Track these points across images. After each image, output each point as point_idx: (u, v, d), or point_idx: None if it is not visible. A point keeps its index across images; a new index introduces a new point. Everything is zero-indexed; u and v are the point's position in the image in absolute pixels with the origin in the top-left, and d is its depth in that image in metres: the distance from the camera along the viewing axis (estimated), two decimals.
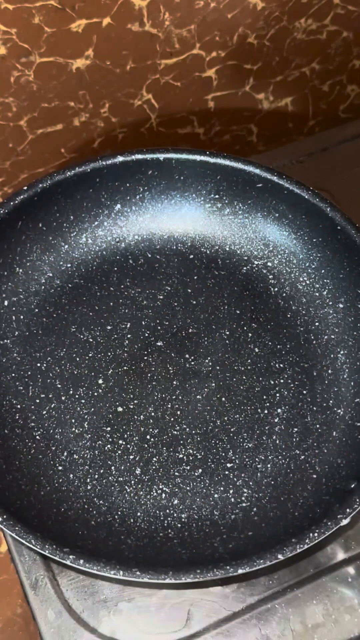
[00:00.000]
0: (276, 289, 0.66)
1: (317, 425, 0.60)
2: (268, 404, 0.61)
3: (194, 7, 0.69)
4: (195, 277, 0.67)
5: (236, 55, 0.75)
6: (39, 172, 0.77)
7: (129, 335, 0.64)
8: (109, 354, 0.63)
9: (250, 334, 0.65)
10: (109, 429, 0.60)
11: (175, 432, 0.60)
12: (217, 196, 0.68)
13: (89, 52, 0.68)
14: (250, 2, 0.70)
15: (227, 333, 0.65)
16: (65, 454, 0.59)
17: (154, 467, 0.59)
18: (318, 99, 0.85)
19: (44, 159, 0.76)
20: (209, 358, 0.63)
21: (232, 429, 0.60)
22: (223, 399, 0.62)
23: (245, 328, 0.65)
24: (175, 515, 0.57)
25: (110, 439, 0.60)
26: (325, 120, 0.88)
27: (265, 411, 0.61)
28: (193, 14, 0.69)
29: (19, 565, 0.56)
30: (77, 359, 0.63)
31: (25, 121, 0.71)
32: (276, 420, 0.61)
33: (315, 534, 0.50)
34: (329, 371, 0.62)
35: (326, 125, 0.89)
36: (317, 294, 0.65)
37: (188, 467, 0.59)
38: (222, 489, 0.58)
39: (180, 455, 0.59)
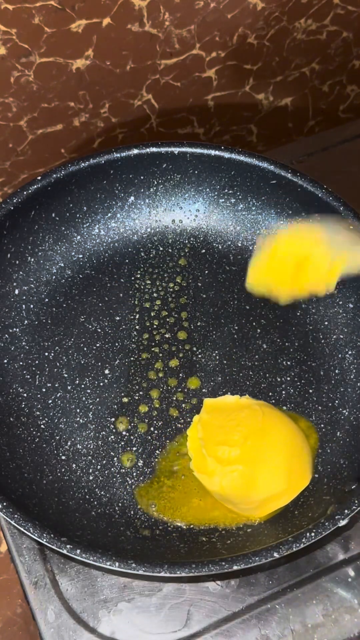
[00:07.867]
0: None
1: (322, 425, 0.60)
2: (273, 401, 0.61)
3: (194, 7, 0.68)
4: (207, 272, 0.67)
5: (236, 56, 0.75)
6: (39, 172, 0.77)
7: (137, 327, 0.64)
8: (117, 344, 0.63)
9: (258, 330, 0.64)
10: (113, 419, 0.60)
11: (180, 425, 0.60)
12: (231, 191, 0.67)
13: (89, 52, 0.68)
14: (250, 2, 0.70)
15: (236, 328, 0.65)
16: (68, 443, 0.59)
17: (156, 460, 0.59)
18: (318, 99, 0.85)
19: (44, 159, 0.76)
20: (216, 352, 0.63)
21: None
22: (229, 393, 0.61)
23: (254, 324, 0.65)
24: None
25: (114, 430, 0.60)
26: (325, 120, 0.88)
27: None
28: (193, 14, 0.69)
29: (19, 566, 0.56)
30: (85, 349, 0.63)
31: (25, 121, 0.71)
32: None
33: (312, 534, 0.50)
34: (336, 371, 0.62)
35: (326, 125, 0.89)
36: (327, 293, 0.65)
37: None
38: None
39: (184, 449, 0.59)
